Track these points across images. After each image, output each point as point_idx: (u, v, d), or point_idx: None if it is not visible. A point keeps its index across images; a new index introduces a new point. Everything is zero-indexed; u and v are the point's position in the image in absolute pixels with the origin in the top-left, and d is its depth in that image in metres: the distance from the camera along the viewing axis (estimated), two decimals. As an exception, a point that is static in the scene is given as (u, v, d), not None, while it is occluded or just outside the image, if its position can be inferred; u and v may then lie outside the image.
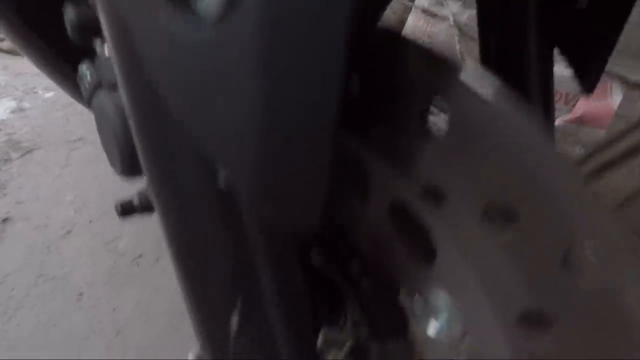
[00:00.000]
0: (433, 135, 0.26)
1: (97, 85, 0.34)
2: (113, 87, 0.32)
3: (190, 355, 0.38)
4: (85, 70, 0.37)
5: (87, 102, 0.37)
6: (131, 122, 0.28)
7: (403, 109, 0.26)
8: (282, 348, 0.31)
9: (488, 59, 0.51)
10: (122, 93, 0.27)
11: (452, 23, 1.51)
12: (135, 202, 0.39)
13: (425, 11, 1.79)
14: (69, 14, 0.29)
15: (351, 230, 0.37)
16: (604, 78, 1.13)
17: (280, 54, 0.20)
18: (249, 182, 0.23)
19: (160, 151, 0.27)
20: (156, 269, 1.10)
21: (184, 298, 0.31)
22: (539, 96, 0.47)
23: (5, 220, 1.23)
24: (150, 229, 1.22)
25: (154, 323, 0.98)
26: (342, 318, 0.43)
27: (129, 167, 0.33)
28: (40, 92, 1.87)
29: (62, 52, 0.53)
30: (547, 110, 0.49)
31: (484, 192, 0.25)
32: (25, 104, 1.77)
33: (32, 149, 1.52)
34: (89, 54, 0.35)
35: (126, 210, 0.40)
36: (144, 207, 0.39)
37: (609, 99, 1.04)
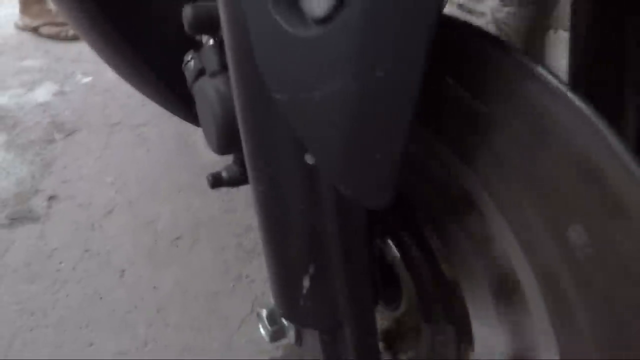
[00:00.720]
0: None
1: (200, 73, 0.37)
2: (214, 74, 0.35)
3: (263, 312, 0.42)
4: (190, 59, 0.40)
5: (190, 87, 0.40)
6: (236, 103, 0.30)
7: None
8: (343, 314, 0.34)
9: (577, 81, 0.48)
10: (232, 77, 0.30)
11: (489, 20, 1.50)
12: (224, 175, 0.43)
13: (461, 6, 1.77)
14: (188, 12, 0.32)
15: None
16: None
17: (378, 55, 0.22)
18: (334, 165, 0.26)
19: (260, 129, 0.29)
20: (194, 251, 1.14)
21: (265, 259, 0.34)
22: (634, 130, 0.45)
23: (51, 197, 1.29)
24: (186, 213, 1.26)
25: (192, 303, 1.02)
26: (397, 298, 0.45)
27: (223, 144, 0.36)
28: (79, 76, 1.93)
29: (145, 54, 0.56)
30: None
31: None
32: (66, 88, 1.84)
33: (74, 131, 1.59)
34: (194, 46, 0.38)
35: (216, 181, 0.43)
36: (232, 180, 0.42)
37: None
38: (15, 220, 1.20)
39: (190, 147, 1.53)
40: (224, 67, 0.34)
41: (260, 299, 1.02)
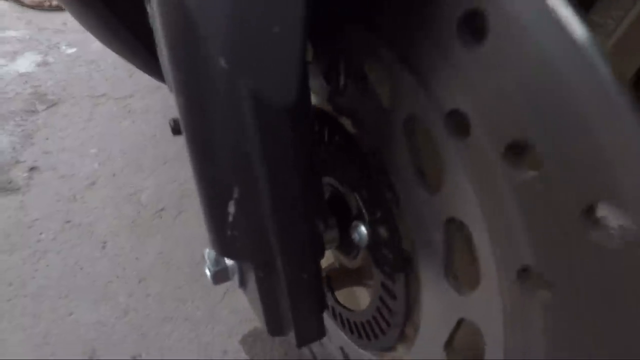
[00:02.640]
0: (467, 49, 0.24)
1: None
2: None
3: (206, 252, 0.40)
4: None
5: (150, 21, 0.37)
6: (155, 15, 0.27)
7: (438, 13, 0.25)
8: (274, 244, 0.31)
9: None
10: None
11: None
12: None
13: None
14: None
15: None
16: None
17: None
18: (235, 54, 0.25)
19: (173, 34, 0.27)
20: (178, 222, 1.12)
21: (196, 188, 0.32)
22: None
23: (32, 168, 1.26)
24: (171, 185, 1.23)
25: (174, 273, 1.00)
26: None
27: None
28: (63, 47, 1.87)
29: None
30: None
31: (511, 127, 0.23)
32: (50, 58, 1.79)
33: (57, 102, 1.54)
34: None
35: (178, 127, 0.40)
36: None
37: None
38: (-6, 190, 1.18)
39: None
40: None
41: (244, 270, 1.01)
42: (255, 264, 0.33)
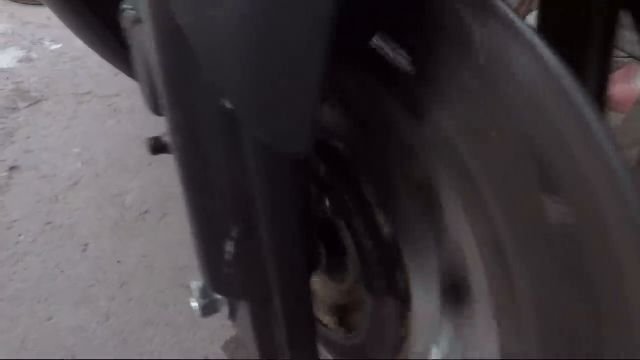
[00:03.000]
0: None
1: (137, 21, 0.34)
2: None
3: (194, 284, 0.39)
4: (126, 6, 0.36)
5: (127, 38, 0.36)
6: (153, 49, 0.27)
7: None
8: (272, 284, 0.31)
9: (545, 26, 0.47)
10: (148, 24, 0.27)
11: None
12: (165, 139, 0.39)
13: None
14: None
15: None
16: (628, 61, 1.10)
17: None
18: (246, 102, 0.24)
19: (173, 72, 0.26)
20: (162, 225, 1.11)
21: (189, 224, 0.31)
22: (596, 63, 0.44)
23: (13, 168, 1.23)
24: (156, 187, 1.22)
25: (158, 277, 1.00)
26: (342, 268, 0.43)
27: (158, 102, 0.32)
28: (47, 43, 1.84)
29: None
30: (603, 83, 0.46)
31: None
32: (33, 54, 1.75)
33: (40, 100, 1.51)
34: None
35: (158, 146, 0.40)
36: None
37: (633, 83, 1.02)
38: (-28, 190, 1.15)
39: (163, 120, 1.48)
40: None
41: (228, 275, 1.00)
42: (251, 300, 0.33)
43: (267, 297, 0.31)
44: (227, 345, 0.87)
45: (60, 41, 1.83)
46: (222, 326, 0.90)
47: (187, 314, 0.93)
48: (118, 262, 1.02)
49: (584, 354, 0.24)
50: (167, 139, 0.40)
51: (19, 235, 1.05)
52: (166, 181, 1.24)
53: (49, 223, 1.09)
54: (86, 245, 1.05)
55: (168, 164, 1.30)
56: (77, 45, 1.83)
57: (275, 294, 0.31)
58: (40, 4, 2.03)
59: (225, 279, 0.31)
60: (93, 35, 0.62)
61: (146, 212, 1.15)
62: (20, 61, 1.69)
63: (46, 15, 1.99)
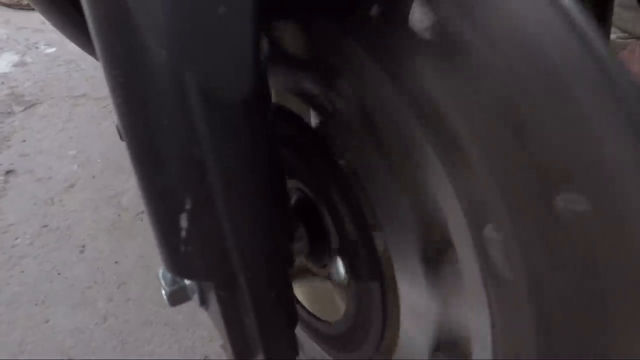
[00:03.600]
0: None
1: None
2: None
3: (160, 271, 0.37)
4: None
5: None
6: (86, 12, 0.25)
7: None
8: (236, 259, 0.28)
9: None
10: None
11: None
12: None
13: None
14: None
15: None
16: (630, 41, 1.07)
17: None
18: (173, 42, 0.22)
19: (107, 29, 0.24)
20: (159, 225, 1.10)
21: (142, 200, 0.29)
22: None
23: (9, 172, 1.23)
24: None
25: (155, 276, 0.98)
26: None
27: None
28: (42, 47, 1.83)
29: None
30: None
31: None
32: (28, 59, 1.74)
33: (35, 103, 1.51)
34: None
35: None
36: None
37: (637, 64, 0.99)
38: (-33, 195, 1.14)
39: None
40: None
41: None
42: (215, 282, 0.31)
43: (231, 277, 0.28)
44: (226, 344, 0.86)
45: (55, 44, 1.83)
46: (221, 324, 0.89)
47: (186, 312, 0.92)
48: (115, 262, 1.01)
49: (576, 323, 0.22)
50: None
51: (16, 239, 1.05)
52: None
53: (45, 225, 1.08)
54: (83, 246, 1.04)
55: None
56: (71, 49, 1.82)
57: (239, 274, 0.28)
58: (34, 8, 2.03)
59: (183, 259, 0.28)
60: (76, 30, 0.61)
61: (143, 212, 1.14)
62: (14, 65, 1.68)
63: (40, 19, 1.98)
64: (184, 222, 0.27)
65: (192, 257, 0.28)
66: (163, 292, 0.37)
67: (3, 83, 1.57)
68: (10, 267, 0.98)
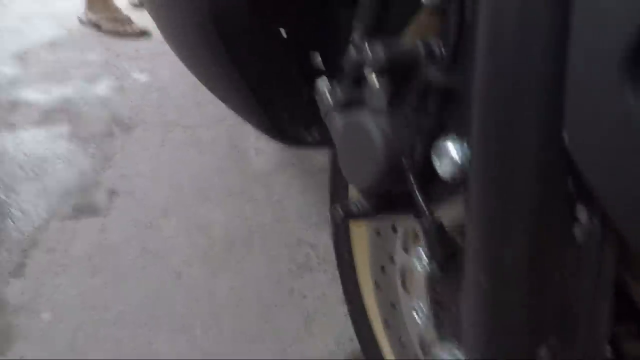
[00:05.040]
0: None
1: (347, 104, 0.38)
2: (379, 111, 0.35)
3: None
4: (324, 87, 0.41)
5: (326, 113, 0.41)
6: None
7: None
8: None
9: None
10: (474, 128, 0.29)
11: None
12: (354, 209, 0.42)
13: None
14: (379, 53, 0.32)
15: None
16: None
17: None
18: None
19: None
20: (247, 260, 1.15)
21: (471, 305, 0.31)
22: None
23: (112, 192, 1.33)
24: (238, 219, 1.27)
25: (246, 311, 1.03)
26: None
27: (377, 185, 0.36)
28: (136, 74, 1.99)
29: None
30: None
31: None
32: (125, 84, 1.90)
33: (132, 127, 1.63)
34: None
35: (348, 214, 0.42)
36: (362, 214, 0.41)
37: None
38: (80, 212, 1.24)
39: (242, 153, 1.55)
40: (389, 106, 0.34)
41: (313, 317, 1.02)
42: None
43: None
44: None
45: (147, 72, 1.98)
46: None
47: (275, 351, 0.95)
48: (209, 292, 1.07)
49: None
50: (354, 208, 0.43)
51: (119, 259, 1.13)
52: (248, 214, 1.30)
53: (144, 248, 1.16)
54: (179, 273, 1.11)
55: (247, 196, 1.36)
56: (161, 76, 1.98)
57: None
58: (129, 37, 2.21)
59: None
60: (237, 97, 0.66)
61: (231, 244, 1.20)
62: (114, 90, 1.84)
63: (135, 47, 2.17)
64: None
65: None
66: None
67: (105, 106, 1.72)
68: (116, 286, 1.06)
